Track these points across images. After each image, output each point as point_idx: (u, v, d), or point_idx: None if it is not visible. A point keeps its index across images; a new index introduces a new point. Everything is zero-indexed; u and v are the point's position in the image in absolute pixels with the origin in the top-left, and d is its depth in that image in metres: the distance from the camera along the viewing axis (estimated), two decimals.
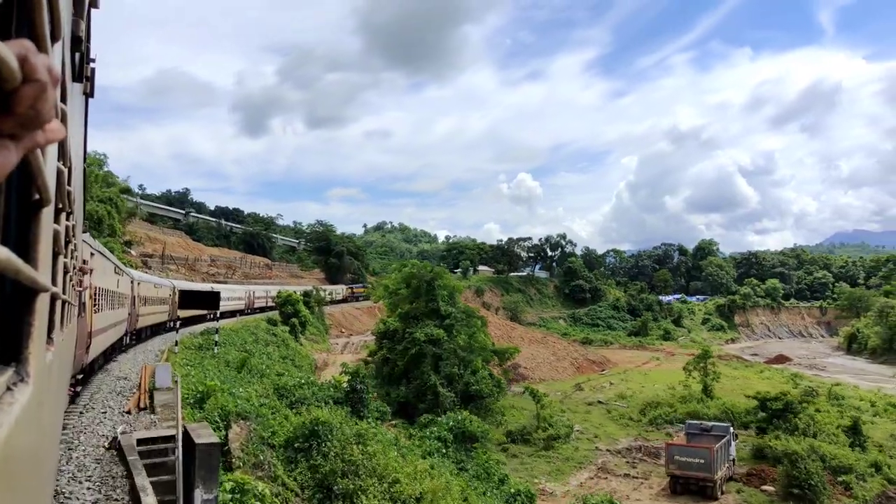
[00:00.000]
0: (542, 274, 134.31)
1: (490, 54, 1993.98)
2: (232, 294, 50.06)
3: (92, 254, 14.31)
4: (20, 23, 1.29)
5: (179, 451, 11.02)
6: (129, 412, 14.76)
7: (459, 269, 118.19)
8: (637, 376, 66.93)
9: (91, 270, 13.19)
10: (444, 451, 27.67)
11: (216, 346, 30.14)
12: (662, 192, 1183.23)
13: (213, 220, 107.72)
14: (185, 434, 11.48)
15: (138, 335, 30.17)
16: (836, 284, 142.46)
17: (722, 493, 30.41)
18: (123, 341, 25.84)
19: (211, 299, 30.93)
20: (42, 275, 1.92)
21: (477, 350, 42.43)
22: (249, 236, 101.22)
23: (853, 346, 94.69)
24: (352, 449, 17.76)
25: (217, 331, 31.03)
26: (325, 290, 75.87)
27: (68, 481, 9.65)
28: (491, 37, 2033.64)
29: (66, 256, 4.50)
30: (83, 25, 3.33)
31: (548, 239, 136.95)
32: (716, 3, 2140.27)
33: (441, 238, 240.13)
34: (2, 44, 0.74)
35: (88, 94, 5.54)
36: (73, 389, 14.77)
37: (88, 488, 9.49)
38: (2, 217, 1.39)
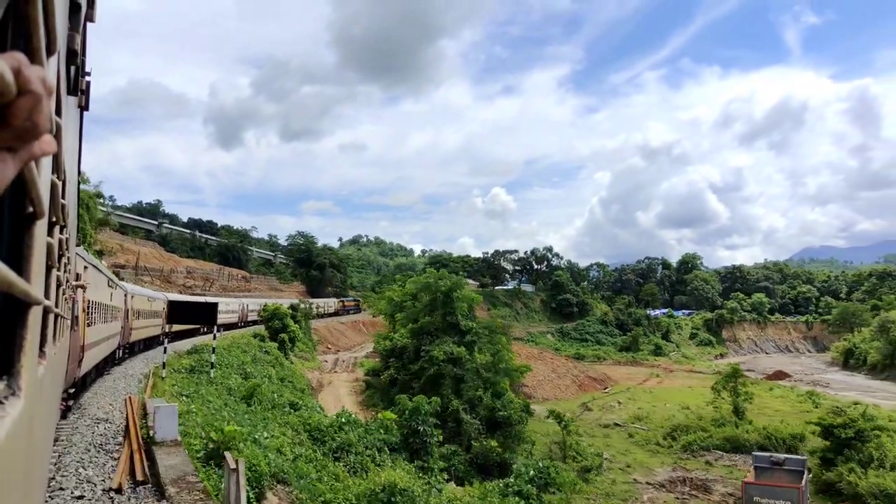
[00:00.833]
0: (528, 287, 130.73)
1: (466, 69, 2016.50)
2: (227, 307, 46.09)
3: (85, 267, 13.93)
4: (16, 36, 1.28)
5: None
6: (118, 490, 9.79)
7: None
8: (643, 394, 64.63)
9: (85, 286, 12.69)
10: None
11: (212, 367, 25.49)
12: (634, 208, 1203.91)
13: (188, 231, 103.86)
14: None
15: (131, 349, 29.27)
16: (821, 299, 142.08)
17: None
18: (116, 355, 25.33)
19: (207, 312, 26.36)
20: (35, 288, 1.90)
21: (502, 371, 37.75)
22: (225, 248, 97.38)
23: (850, 361, 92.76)
24: None
25: (214, 350, 26.35)
26: (313, 303, 71.10)
27: None
28: (466, 52, 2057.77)
29: (59, 270, 4.40)
30: (79, 39, 3.14)
31: (534, 252, 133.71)
32: (685, 23, 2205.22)
33: (417, 252, 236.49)
34: None
35: (83, 107, 5.08)
36: (64, 404, 14.26)
37: None
38: None
